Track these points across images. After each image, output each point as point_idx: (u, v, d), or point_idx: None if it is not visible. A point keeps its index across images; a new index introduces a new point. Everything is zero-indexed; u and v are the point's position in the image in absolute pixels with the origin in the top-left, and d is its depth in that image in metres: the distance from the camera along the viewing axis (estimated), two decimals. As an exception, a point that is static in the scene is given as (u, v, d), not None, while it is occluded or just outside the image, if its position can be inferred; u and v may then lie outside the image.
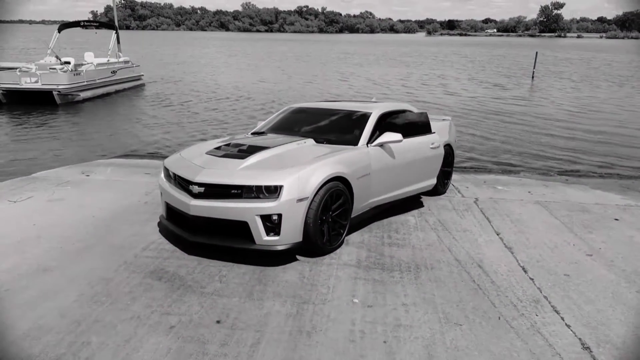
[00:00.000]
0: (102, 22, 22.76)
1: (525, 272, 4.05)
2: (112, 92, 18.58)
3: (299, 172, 3.95)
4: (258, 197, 3.90)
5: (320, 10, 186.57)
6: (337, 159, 4.31)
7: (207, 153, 4.51)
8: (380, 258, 4.26)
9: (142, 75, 21.73)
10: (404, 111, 5.77)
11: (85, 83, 16.85)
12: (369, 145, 4.80)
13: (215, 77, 26.36)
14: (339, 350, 2.91)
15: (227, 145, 4.72)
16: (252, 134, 5.46)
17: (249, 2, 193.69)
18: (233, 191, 3.94)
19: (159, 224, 4.92)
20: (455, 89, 22.60)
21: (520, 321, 3.28)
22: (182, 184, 4.27)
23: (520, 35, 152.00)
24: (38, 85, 15.57)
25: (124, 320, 3.18)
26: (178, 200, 4.21)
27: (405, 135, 5.03)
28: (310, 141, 4.79)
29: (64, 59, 17.20)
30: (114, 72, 18.89)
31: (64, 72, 16.04)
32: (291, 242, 3.96)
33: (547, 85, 24.01)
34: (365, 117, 5.14)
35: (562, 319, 3.32)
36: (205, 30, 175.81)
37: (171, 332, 3.06)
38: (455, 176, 7.08)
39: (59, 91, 15.59)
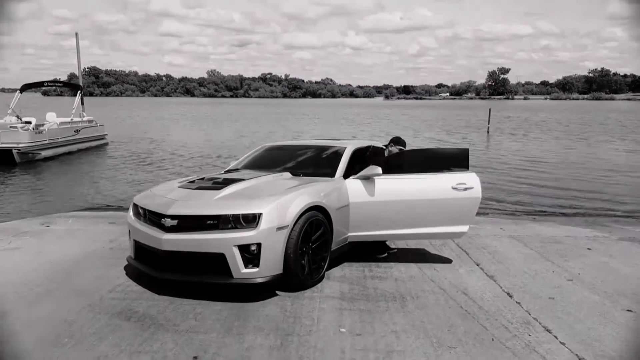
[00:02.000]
0: (65, 82, 22.56)
1: (511, 297, 3.98)
2: (75, 151, 18.14)
3: (278, 200, 3.84)
4: (235, 227, 3.73)
5: (283, 77, 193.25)
6: (316, 189, 4.24)
7: (180, 187, 4.36)
8: (364, 290, 4.11)
9: (106, 134, 21.42)
10: (376, 148, 5.84)
11: (47, 141, 16.40)
12: (345, 178, 4.76)
13: (175, 137, 26.29)
14: (330, 378, 2.69)
15: (201, 179, 4.58)
16: (225, 172, 5.34)
17: (214, 70, 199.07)
18: (209, 222, 3.77)
19: (126, 267, 4.62)
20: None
21: (515, 342, 3.16)
22: (153, 218, 4.05)
23: (471, 98, 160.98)
24: None
25: (89, 360, 2.86)
26: (148, 237, 3.98)
27: (415, 171, 4.65)
28: (287, 174, 4.72)
29: (25, 119, 16.82)
30: (77, 131, 18.54)
31: (25, 130, 15.62)
32: (271, 274, 3.76)
33: (501, 140, 25.18)
34: (339, 151, 5.14)
35: (556, 337, 3.23)
36: (171, 96, 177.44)
37: (143, 369, 2.77)
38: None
39: (18, 150, 15.07)
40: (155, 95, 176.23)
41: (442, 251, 5.38)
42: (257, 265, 3.71)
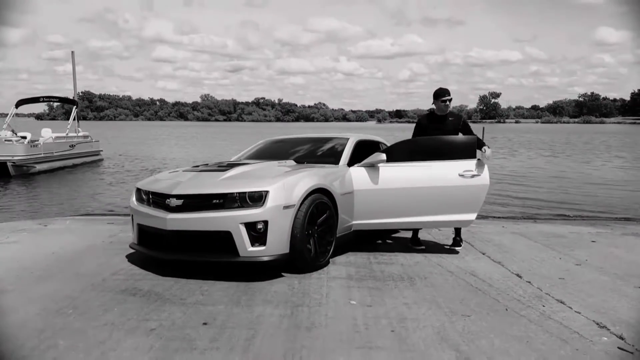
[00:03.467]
0: (61, 97, 22.52)
1: (520, 277, 3.94)
2: (70, 166, 18.04)
3: (284, 180, 3.82)
4: (242, 206, 3.68)
5: (276, 101, 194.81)
6: (321, 172, 4.22)
7: (185, 170, 4.33)
8: (371, 272, 4.05)
9: (101, 150, 21.34)
10: (378, 142, 5.85)
11: (42, 155, 16.30)
12: (350, 166, 4.74)
13: (168, 154, 26.29)
14: (344, 340, 2.63)
15: (205, 165, 4.56)
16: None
17: (208, 94, 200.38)
18: (214, 201, 3.72)
19: (128, 255, 4.54)
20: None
21: (529, 311, 3.12)
22: (158, 200, 4.00)
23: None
24: None
25: (96, 327, 2.78)
26: (152, 218, 3.92)
27: (422, 159, 4.60)
28: (291, 162, 4.70)
29: (20, 134, 16.74)
30: (72, 145, 18.46)
31: (20, 143, 15.54)
32: (278, 253, 3.71)
33: (494, 155, 25.40)
34: (343, 142, 5.15)
35: (570, 307, 3.19)
36: (164, 120, 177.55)
37: (152, 333, 2.69)
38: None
39: (13, 162, 14.96)
40: (149, 119, 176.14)
41: (446, 243, 5.33)
42: (263, 243, 3.65)
